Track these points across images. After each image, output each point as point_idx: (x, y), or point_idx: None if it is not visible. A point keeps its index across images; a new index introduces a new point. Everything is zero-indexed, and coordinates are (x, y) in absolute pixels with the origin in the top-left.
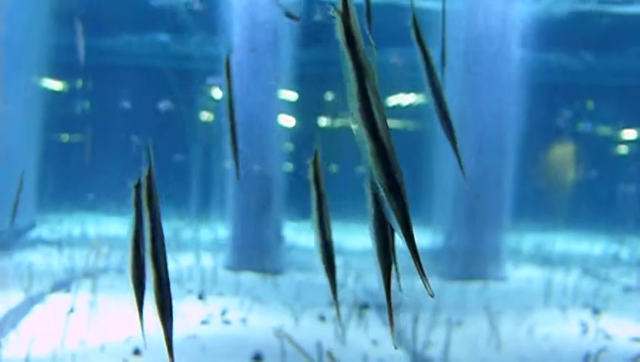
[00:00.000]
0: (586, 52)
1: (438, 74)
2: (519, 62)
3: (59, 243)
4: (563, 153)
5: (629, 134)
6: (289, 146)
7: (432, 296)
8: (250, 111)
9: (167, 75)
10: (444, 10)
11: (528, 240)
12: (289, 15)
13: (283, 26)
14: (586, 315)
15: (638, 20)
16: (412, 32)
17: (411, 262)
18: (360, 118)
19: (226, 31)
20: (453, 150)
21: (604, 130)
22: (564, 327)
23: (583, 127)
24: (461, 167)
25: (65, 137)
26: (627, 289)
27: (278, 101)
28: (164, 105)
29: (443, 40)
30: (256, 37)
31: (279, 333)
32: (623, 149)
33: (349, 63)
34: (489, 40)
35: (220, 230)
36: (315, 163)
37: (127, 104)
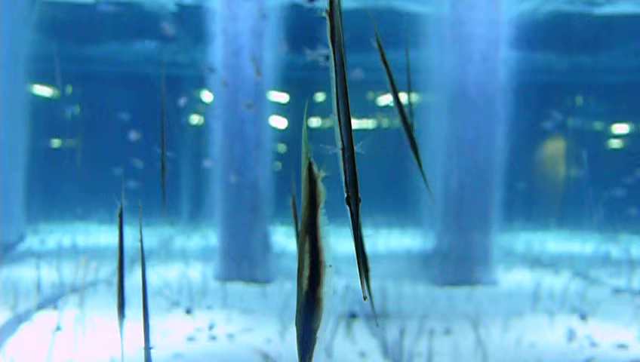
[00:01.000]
0: (574, 51)
1: (404, 97)
2: (508, 63)
3: (48, 257)
4: (554, 151)
5: (620, 132)
6: (280, 148)
7: (365, 298)
8: (238, 114)
9: (156, 82)
10: (407, 52)
11: (521, 241)
12: (256, 71)
13: (269, 33)
14: (573, 321)
15: (622, 21)
16: (379, 55)
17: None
18: (337, 116)
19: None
20: (418, 169)
21: (596, 128)
22: (551, 335)
23: (573, 125)
24: (426, 183)
25: (55, 145)
26: (616, 291)
27: (267, 104)
28: (133, 135)
29: (407, 71)
30: (239, 44)
31: (266, 357)
32: (615, 145)
33: (333, 63)
34: (478, 42)
35: (212, 237)
36: (293, 204)
37: (118, 111)
